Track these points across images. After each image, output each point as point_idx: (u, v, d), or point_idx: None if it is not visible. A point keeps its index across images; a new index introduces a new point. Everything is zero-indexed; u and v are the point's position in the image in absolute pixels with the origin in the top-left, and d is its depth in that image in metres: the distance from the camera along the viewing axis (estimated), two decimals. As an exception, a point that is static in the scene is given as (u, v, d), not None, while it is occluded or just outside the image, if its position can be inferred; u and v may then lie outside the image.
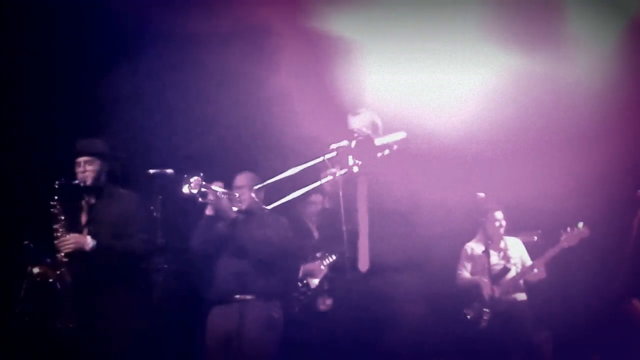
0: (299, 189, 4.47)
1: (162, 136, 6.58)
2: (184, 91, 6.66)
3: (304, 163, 4.41)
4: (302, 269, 5.91)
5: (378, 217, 4.41)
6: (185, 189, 4.86)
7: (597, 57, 6.29)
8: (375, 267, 4.33)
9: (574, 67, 6.34)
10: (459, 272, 6.50)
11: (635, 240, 5.43)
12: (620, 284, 5.49)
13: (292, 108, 6.55)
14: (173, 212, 4.91)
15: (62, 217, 4.86)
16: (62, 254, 4.79)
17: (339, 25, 6.29)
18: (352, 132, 4.32)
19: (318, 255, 5.79)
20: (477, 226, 6.27)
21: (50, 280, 4.77)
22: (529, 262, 6.34)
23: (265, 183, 4.82)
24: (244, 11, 6.15)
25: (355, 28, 6.34)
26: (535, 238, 6.49)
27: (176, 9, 6.08)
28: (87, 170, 4.96)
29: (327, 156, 4.30)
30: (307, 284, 5.84)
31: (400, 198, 4.43)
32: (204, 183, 4.90)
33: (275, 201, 4.64)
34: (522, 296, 6.29)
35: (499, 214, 6.40)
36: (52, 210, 4.85)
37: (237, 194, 5.13)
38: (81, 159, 4.98)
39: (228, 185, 5.28)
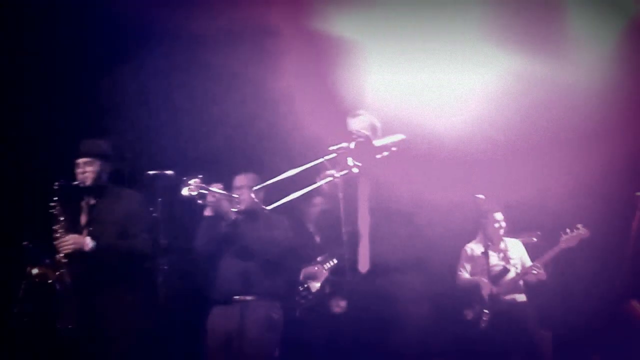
0: (300, 191, 4.47)
1: (165, 137, 6.60)
2: (187, 91, 6.66)
3: (307, 164, 4.40)
4: (303, 273, 5.90)
5: (378, 217, 4.42)
6: (185, 191, 4.87)
7: (597, 57, 6.29)
8: (376, 268, 4.34)
9: (574, 68, 6.33)
10: (459, 273, 6.50)
11: (634, 241, 5.44)
12: (619, 284, 5.50)
13: (296, 109, 6.55)
14: (174, 212, 4.91)
15: (62, 218, 4.86)
16: (62, 255, 4.79)
17: (341, 27, 6.29)
18: (351, 134, 4.32)
19: (319, 259, 5.79)
20: (477, 227, 6.27)
21: (50, 281, 4.77)
22: (528, 263, 6.34)
23: (263, 184, 4.82)
24: (247, 12, 6.15)
25: (357, 29, 6.35)
26: (535, 239, 6.49)
27: (180, 10, 6.08)
28: (86, 171, 4.96)
29: (327, 157, 4.30)
30: (308, 288, 5.84)
31: (401, 199, 4.44)
32: (202, 185, 4.90)
33: (276, 202, 4.64)
34: (521, 297, 6.30)
35: (499, 216, 6.41)
36: (51, 211, 4.85)
37: (236, 195, 5.13)
38: (81, 160, 4.98)
39: (229, 185, 5.28)
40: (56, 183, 4.87)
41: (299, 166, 4.39)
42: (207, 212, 5.07)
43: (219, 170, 5.55)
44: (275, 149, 6.57)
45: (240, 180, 5.35)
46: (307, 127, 6.30)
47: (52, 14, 6.01)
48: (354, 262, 4.32)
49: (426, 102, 6.50)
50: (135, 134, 6.38)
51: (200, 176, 4.90)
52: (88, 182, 4.96)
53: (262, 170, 5.31)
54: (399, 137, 4.37)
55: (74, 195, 4.97)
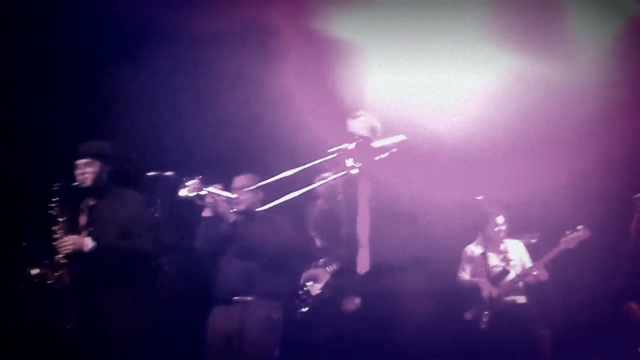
0: (298, 191, 4.47)
1: (167, 137, 6.60)
2: (189, 92, 6.67)
3: (307, 164, 4.41)
4: (305, 275, 5.90)
5: (378, 218, 4.43)
6: (183, 192, 4.87)
7: (597, 57, 6.29)
8: (375, 268, 4.34)
9: (574, 68, 6.33)
10: (459, 274, 6.50)
11: (632, 242, 5.45)
12: (618, 285, 5.50)
13: (298, 110, 6.55)
14: (174, 213, 4.92)
15: (61, 219, 4.86)
16: (61, 256, 4.79)
17: (342, 27, 6.29)
18: (351, 135, 4.33)
19: (321, 261, 5.80)
20: (477, 228, 6.27)
21: (49, 281, 4.78)
22: (529, 264, 6.34)
23: (259, 184, 4.83)
24: (249, 13, 6.15)
25: (358, 29, 6.35)
26: (534, 240, 6.49)
27: (183, 10, 6.08)
28: (86, 172, 4.96)
29: (327, 158, 4.31)
30: (308, 291, 5.84)
31: (400, 199, 4.45)
32: (201, 186, 4.90)
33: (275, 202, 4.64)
34: (521, 298, 6.29)
35: (500, 219, 6.39)
36: (51, 211, 4.86)
37: (235, 196, 5.13)
38: (80, 161, 4.98)
39: (229, 186, 5.28)
40: (56, 184, 4.88)
41: (301, 166, 4.40)
42: (206, 213, 5.07)
43: (221, 171, 5.56)
44: (277, 150, 6.57)
45: (239, 180, 5.35)
46: (309, 127, 6.31)
47: (52, 14, 6.02)
48: (353, 263, 4.32)
49: (426, 102, 6.51)
50: (137, 134, 6.39)
51: (199, 177, 4.90)
52: (88, 183, 4.97)
53: (265, 171, 5.30)
54: (398, 138, 4.37)
55: (73, 196, 4.98)
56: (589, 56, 6.31)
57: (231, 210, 5.11)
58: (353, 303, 5.13)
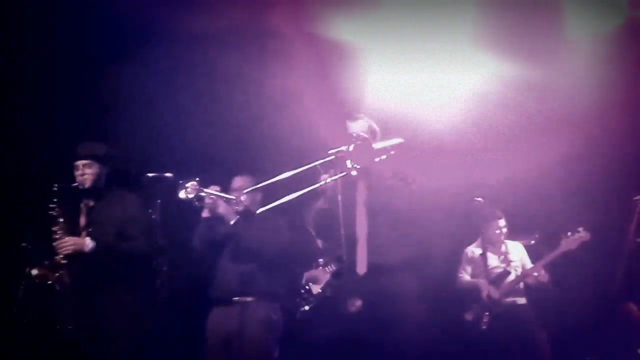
0: (297, 192, 4.48)
1: (165, 138, 6.60)
2: (189, 93, 6.67)
3: (306, 165, 4.42)
4: (306, 276, 5.92)
5: (376, 219, 4.43)
6: (182, 194, 4.88)
7: (597, 59, 6.29)
8: (374, 269, 4.34)
9: (574, 71, 6.33)
10: (459, 275, 6.51)
11: (631, 244, 5.45)
12: (617, 287, 5.51)
13: (297, 111, 6.55)
14: (172, 214, 4.92)
15: (61, 220, 4.87)
16: (61, 256, 4.80)
17: (342, 28, 6.28)
18: (350, 137, 4.34)
19: (321, 261, 5.81)
20: (476, 230, 6.27)
21: (50, 282, 4.79)
22: (529, 265, 6.35)
23: (256, 186, 4.83)
24: (249, 14, 6.15)
25: (357, 30, 6.34)
26: (533, 242, 6.50)
27: (182, 10, 6.08)
28: (85, 173, 4.98)
29: (326, 159, 4.33)
30: (309, 290, 5.85)
31: (399, 201, 4.44)
32: (199, 187, 4.91)
33: (274, 203, 4.65)
34: (522, 300, 6.30)
35: (501, 222, 6.40)
36: (51, 212, 4.87)
37: (233, 197, 5.13)
38: (80, 162, 5.00)
39: (227, 187, 5.29)
40: (55, 185, 4.89)
41: (300, 167, 4.41)
42: (205, 214, 5.07)
43: (219, 172, 5.56)
44: (276, 151, 6.57)
45: (238, 181, 5.36)
46: (308, 129, 6.32)
47: (52, 14, 6.02)
48: (352, 264, 4.33)
49: (425, 103, 6.51)
50: (136, 135, 6.39)
51: (197, 179, 4.91)
52: (87, 184, 4.99)
53: (264, 172, 5.31)
54: (397, 140, 4.39)
55: (73, 197, 4.99)
56: (589, 58, 6.31)
57: (230, 211, 5.11)
58: (354, 305, 5.14)
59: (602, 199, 6.53)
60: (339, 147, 4.32)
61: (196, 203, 4.95)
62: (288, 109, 6.61)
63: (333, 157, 4.32)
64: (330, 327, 5.17)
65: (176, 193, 4.87)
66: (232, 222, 5.09)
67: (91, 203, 5.04)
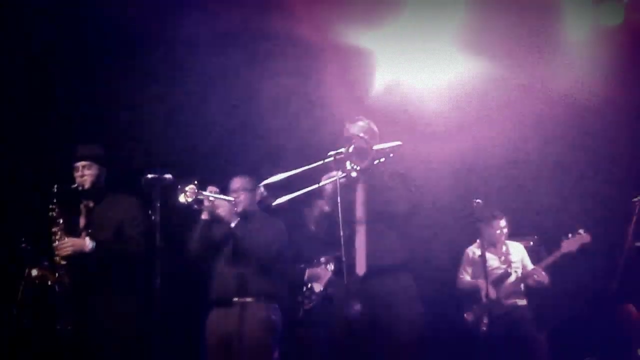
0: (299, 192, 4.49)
1: (164, 139, 6.61)
2: (186, 93, 6.67)
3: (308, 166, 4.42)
4: (307, 273, 5.94)
5: (376, 221, 4.43)
6: (182, 198, 4.87)
7: (597, 61, 6.29)
8: (373, 270, 4.35)
9: (574, 72, 6.34)
10: (460, 275, 6.51)
11: (629, 246, 5.46)
12: (616, 288, 5.51)
13: (297, 112, 6.56)
14: (171, 215, 4.92)
15: (61, 221, 4.88)
16: (60, 257, 4.80)
17: (341, 30, 6.28)
18: (350, 138, 4.34)
19: (323, 259, 5.81)
20: (476, 231, 6.27)
21: (49, 282, 4.80)
22: (530, 266, 6.35)
23: (261, 184, 4.83)
24: (247, 15, 6.15)
25: (357, 31, 6.34)
26: (532, 243, 6.50)
27: (178, 12, 6.08)
28: (85, 174, 4.99)
29: (325, 161, 4.33)
30: (311, 288, 5.87)
31: (398, 203, 4.44)
32: (198, 191, 4.90)
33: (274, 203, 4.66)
34: (522, 301, 6.30)
35: (501, 222, 6.40)
36: (50, 213, 4.87)
37: (232, 198, 5.13)
38: (79, 164, 5.01)
39: (225, 188, 5.28)
40: (55, 186, 4.89)
41: (300, 168, 4.41)
42: (204, 216, 5.07)
43: (218, 173, 5.56)
44: (276, 152, 6.58)
45: (236, 182, 5.35)
46: (307, 130, 6.32)
47: (52, 15, 6.02)
48: (351, 264, 4.33)
49: (424, 104, 6.52)
50: (136, 136, 6.39)
51: (195, 182, 4.90)
52: (87, 185, 4.99)
53: (263, 173, 5.32)
54: (396, 142, 4.39)
55: (72, 198, 4.99)
56: (588, 58, 6.31)
57: (230, 213, 5.11)
58: (353, 309, 5.15)
59: (601, 200, 6.54)
60: (339, 148, 4.31)
61: (195, 206, 4.94)
62: (288, 110, 6.62)
63: (332, 158, 4.31)
64: (329, 327, 5.19)
65: (175, 196, 4.86)
66: (232, 224, 5.09)
67: (91, 204, 5.05)
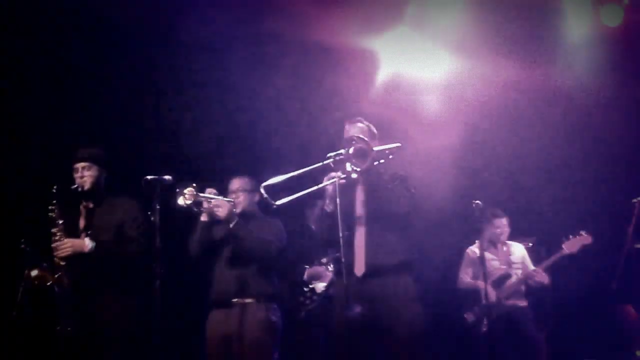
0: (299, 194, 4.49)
1: (163, 140, 6.60)
2: (186, 95, 6.67)
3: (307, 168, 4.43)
4: (308, 274, 5.93)
5: (375, 222, 4.44)
6: (181, 201, 4.86)
7: (597, 62, 6.30)
8: (373, 271, 4.35)
9: (573, 73, 6.34)
10: (460, 276, 6.51)
11: (629, 246, 5.46)
12: (615, 288, 5.52)
13: (297, 113, 6.55)
14: (171, 216, 4.92)
15: (60, 221, 4.87)
16: (60, 258, 4.80)
17: (341, 31, 6.28)
18: (350, 139, 4.33)
19: (324, 260, 5.81)
20: (476, 231, 6.27)
21: (49, 283, 4.80)
22: (531, 267, 6.35)
23: (263, 184, 4.82)
24: (244, 16, 6.14)
25: (356, 33, 6.34)
26: (530, 244, 6.50)
27: (179, 13, 6.08)
28: (84, 175, 4.98)
29: (325, 162, 4.33)
30: (313, 289, 5.87)
31: (397, 204, 4.44)
32: (197, 193, 4.90)
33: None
34: (523, 302, 6.31)
35: (503, 221, 6.40)
36: (50, 214, 4.87)
37: (231, 199, 5.13)
38: (79, 165, 5.01)
39: (222, 189, 5.28)
40: (55, 186, 4.89)
41: (300, 170, 4.41)
42: (203, 218, 5.06)
43: (218, 173, 5.56)
44: (275, 153, 6.58)
45: (235, 183, 5.34)
46: (307, 131, 6.32)
47: (52, 16, 6.02)
48: (350, 265, 4.34)
49: (424, 105, 6.52)
50: (135, 137, 6.39)
51: (194, 185, 4.89)
52: (87, 186, 4.99)
53: (262, 174, 5.31)
54: (396, 144, 4.39)
55: (72, 198, 4.99)
56: (587, 59, 6.32)
57: (229, 214, 5.10)
58: (354, 310, 5.15)
59: (600, 200, 6.55)
60: (339, 150, 4.32)
61: (194, 209, 4.94)
62: (287, 111, 6.62)
63: (332, 160, 4.31)
64: (328, 328, 5.19)
65: (174, 197, 4.85)
66: (232, 225, 5.08)
67: (90, 205, 5.05)
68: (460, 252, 6.59)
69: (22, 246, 4.89)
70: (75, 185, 4.97)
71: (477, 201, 5.22)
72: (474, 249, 6.47)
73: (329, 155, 4.31)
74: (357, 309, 4.24)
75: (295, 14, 6.02)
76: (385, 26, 6.38)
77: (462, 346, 6.34)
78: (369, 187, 4.49)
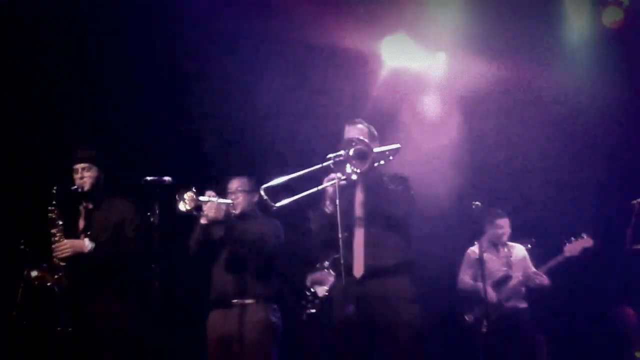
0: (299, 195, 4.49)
1: (162, 141, 6.61)
2: (186, 94, 6.67)
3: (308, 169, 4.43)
4: (310, 278, 5.93)
5: (375, 223, 4.44)
6: (181, 206, 4.85)
7: (597, 63, 6.30)
8: (372, 272, 4.35)
9: (573, 74, 6.35)
10: (460, 276, 6.49)
11: (628, 247, 5.46)
12: (614, 290, 5.52)
13: (296, 114, 6.55)
14: (170, 217, 4.92)
15: (60, 222, 4.88)
16: (59, 259, 4.81)
17: (341, 32, 6.28)
18: (349, 141, 4.33)
19: (326, 263, 5.81)
20: (477, 232, 6.27)
21: (49, 284, 4.80)
22: (531, 269, 6.34)
23: (265, 185, 4.82)
24: (244, 17, 6.15)
25: (356, 34, 6.34)
26: (529, 246, 6.49)
27: (177, 15, 6.09)
28: (84, 176, 4.99)
29: (326, 163, 4.33)
30: (315, 293, 5.86)
31: (397, 205, 4.45)
32: (197, 198, 4.89)
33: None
34: (523, 303, 6.30)
35: (504, 221, 6.39)
36: (49, 215, 4.87)
37: (230, 201, 5.13)
38: (78, 166, 5.01)
39: (221, 189, 5.28)
40: (54, 187, 4.90)
41: (300, 171, 4.42)
42: (203, 221, 5.05)
43: (216, 174, 5.56)
44: (275, 153, 6.58)
45: (234, 183, 5.34)
46: (307, 132, 6.32)
47: (52, 16, 6.02)
48: (349, 266, 4.34)
49: (425, 105, 6.52)
50: (135, 138, 6.40)
51: (194, 188, 4.89)
52: (86, 187, 5.00)
53: (261, 174, 5.32)
54: (395, 145, 4.39)
55: (72, 199, 5.00)
56: (587, 60, 6.32)
57: (229, 215, 5.11)
58: (346, 310, 5.15)
59: (600, 201, 6.55)
60: (338, 151, 4.32)
61: (195, 213, 4.93)
62: (287, 111, 6.62)
63: (332, 161, 4.31)
64: (326, 329, 5.19)
65: (175, 204, 4.85)
66: (229, 225, 5.08)
67: (90, 206, 5.06)
68: (460, 253, 6.59)
69: (22, 247, 4.89)
70: (75, 186, 4.98)
71: (477, 202, 5.22)
72: (475, 250, 6.45)
73: (329, 156, 4.31)
74: (350, 308, 4.25)
75: (297, 15, 6.02)
76: (385, 28, 6.38)
77: (462, 347, 6.33)
78: (369, 189, 4.48)
